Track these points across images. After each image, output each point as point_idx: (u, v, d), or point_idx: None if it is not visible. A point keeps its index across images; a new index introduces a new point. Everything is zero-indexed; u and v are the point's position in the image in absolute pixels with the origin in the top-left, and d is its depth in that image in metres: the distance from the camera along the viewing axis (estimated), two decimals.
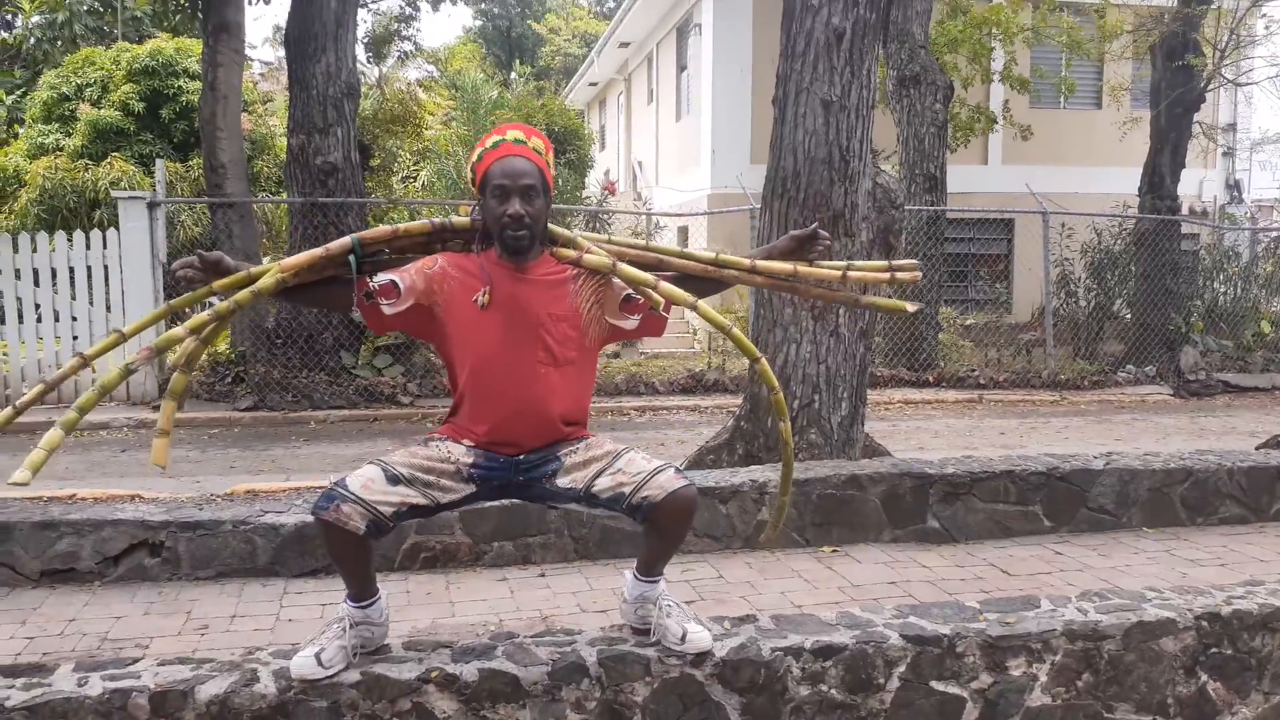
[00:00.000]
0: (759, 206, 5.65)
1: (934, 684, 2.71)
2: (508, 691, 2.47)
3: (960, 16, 12.03)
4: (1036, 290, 12.07)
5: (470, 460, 2.52)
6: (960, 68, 12.06)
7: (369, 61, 15.29)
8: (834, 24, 4.93)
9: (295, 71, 9.27)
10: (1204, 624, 2.88)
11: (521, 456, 2.55)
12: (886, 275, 2.78)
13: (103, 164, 13.03)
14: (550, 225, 2.58)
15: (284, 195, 10.68)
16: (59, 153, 13.51)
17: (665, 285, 2.48)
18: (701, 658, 2.59)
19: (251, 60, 18.00)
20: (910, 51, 10.73)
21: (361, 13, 11.08)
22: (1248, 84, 13.64)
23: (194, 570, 3.77)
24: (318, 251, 2.49)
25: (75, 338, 8.85)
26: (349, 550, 2.46)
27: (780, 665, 2.62)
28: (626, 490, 2.47)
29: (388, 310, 2.50)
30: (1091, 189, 14.16)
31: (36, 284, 8.79)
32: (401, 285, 2.49)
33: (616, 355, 12.10)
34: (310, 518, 3.77)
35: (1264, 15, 13.71)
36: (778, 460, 4.89)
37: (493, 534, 3.96)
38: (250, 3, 10.47)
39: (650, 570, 2.66)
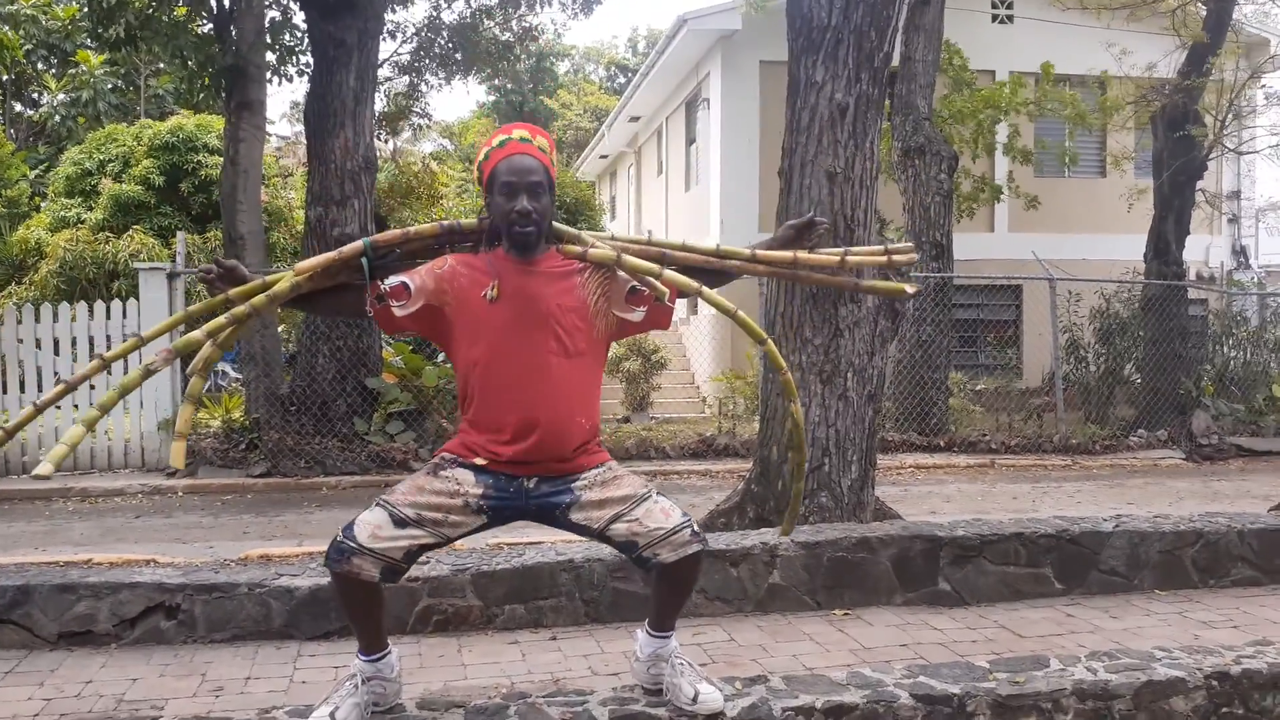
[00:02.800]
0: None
1: None
2: None
3: (965, 90, 12.31)
4: (1046, 355, 12.12)
5: (480, 491, 2.51)
6: (964, 140, 12.30)
7: (383, 137, 15.70)
8: (837, 99, 5.08)
9: (314, 146, 9.55)
10: (1214, 683, 2.88)
11: (533, 484, 2.53)
12: (884, 259, 2.85)
13: (123, 236, 13.33)
14: (555, 224, 2.64)
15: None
16: (80, 225, 13.83)
17: (669, 273, 2.55)
18: (713, 718, 2.60)
19: (270, 135, 18.48)
20: (915, 123, 10.97)
21: (378, 89, 11.42)
22: (1249, 153, 13.85)
23: (209, 633, 3.80)
24: (331, 255, 2.56)
25: (91, 405, 8.95)
26: (362, 599, 2.50)
27: None
28: (640, 543, 2.51)
29: (399, 312, 2.55)
30: (1098, 255, 14.30)
31: (56, 353, 8.94)
32: (412, 286, 2.54)
33: (626, 420, 12.16)
34: (325, 580, 3.83)
35: (1263, 86, 14.01)
36: None
37: (504, 597, 3.99)
38: (271, 81, 10.81)
39: (662, 624, 2.68)
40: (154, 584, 3.82)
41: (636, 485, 2.59)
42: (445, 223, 2.69)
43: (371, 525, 2.45)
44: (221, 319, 2.45)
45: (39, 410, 2.38)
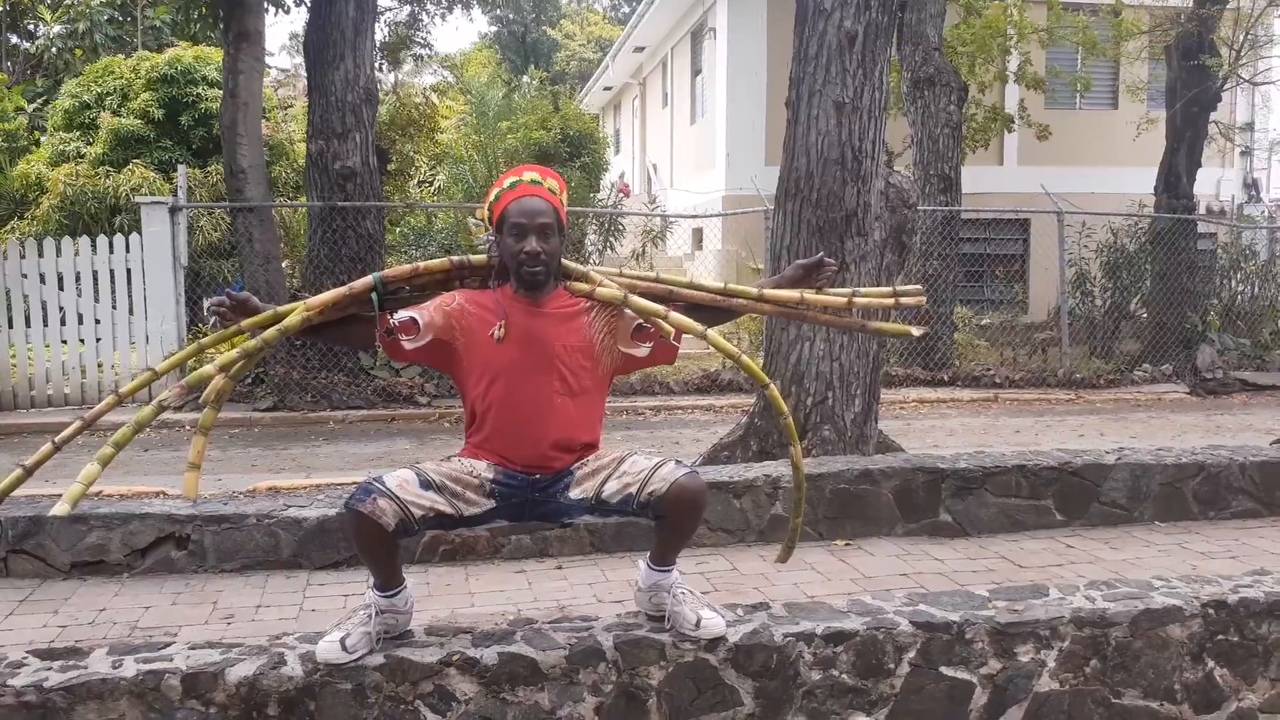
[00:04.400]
0: (773, 208, 5.71)
1: (943, 669, 2.76)
2: (526, 675, 2.54)
3: (974, 18, 12.05)
4: (1052, 290, 12.07)
5: (491, 476, 2.62)
6: (975, 70, 12.08)
7: (384, 69, 15.49)
8: (846, 27, 4.98)
9: (314, 78, 9.40)
10: (1210, 611, 2.92)
11: (538, 475, 2.64)
12: (891, 301, 2.86)
13: (123, 171, 13.22)
14: (564, 260, 2.69)
15: (303, 200, 10.82)
16: (80, 160, 13.71)
17: (675, 315, 2.58)
18: (715, 643, 2.64)
19: (270, 67, 18.21)
20: (924, 54, 10.77)
21: (378, 20, 11.21)
22: (1264, 84, 13.59)
23: (219, 563, 3.86)
24: (342, 290, 2.62)
25: (98, 340, 8.99)
26: (375, 544, 2.54)
27: (792, 650, 2.68)
28: (633, 489, 2.55)
29: (408, 345, 2.62)
30: (1108, 189, 14.13)
31: (60, 288, 8.94)
32: (421, 321, 2.61)
33: None
34: (333, 511, 3.88)
35: None
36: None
37: (510, 527, 4.03)
38: (270, 10, 10.60)
39: (663, 560, 2.72)
40: (164, 515, 3.87)
41: (620, 452, 2.71)
42: (455, 259, 2.74)
43: (400, 478, 2.54)
44: (233, 353, 2.49)
45: (57, 448, 2.47)
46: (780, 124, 5.49)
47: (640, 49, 20.00)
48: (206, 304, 2.66)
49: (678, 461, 2.61)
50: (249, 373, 9.38)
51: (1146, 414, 9.41)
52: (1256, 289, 12.25)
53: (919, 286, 2.94)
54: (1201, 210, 13.01)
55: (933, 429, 8.35)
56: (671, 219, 12.93)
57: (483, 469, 2.62)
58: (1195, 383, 10.77)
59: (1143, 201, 12.07)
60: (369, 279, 2.63)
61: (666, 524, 2.64)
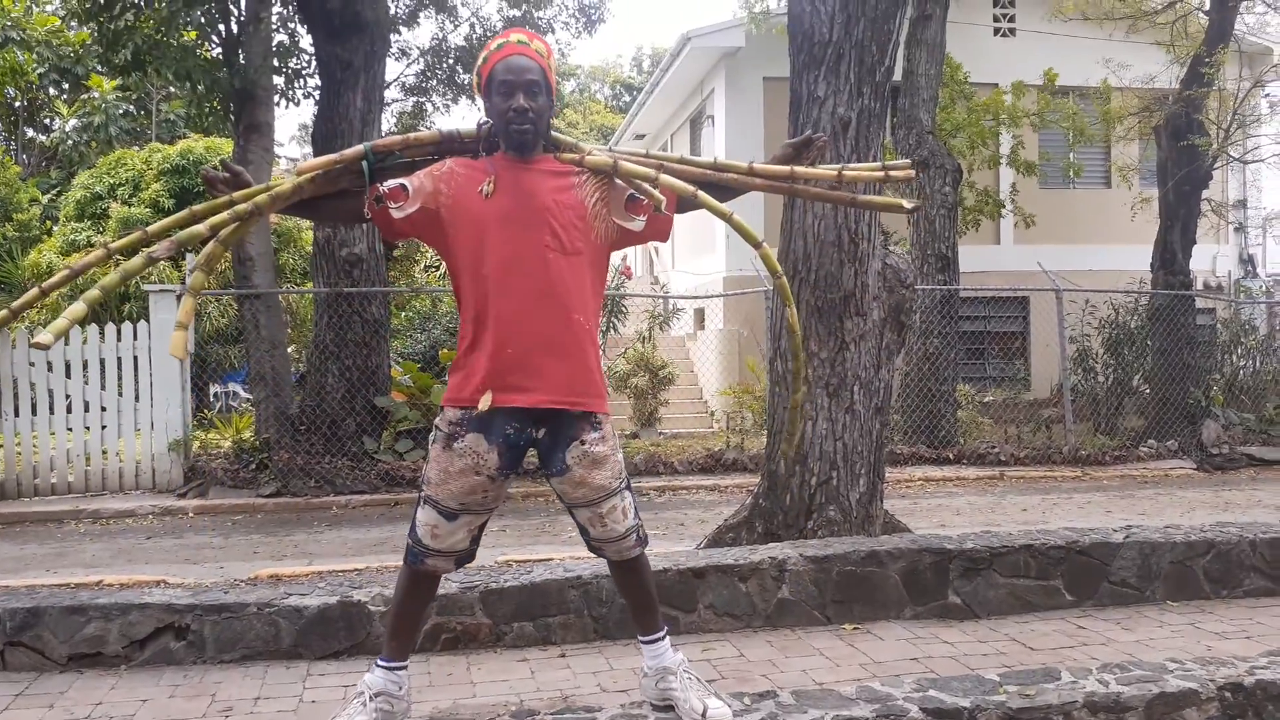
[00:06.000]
0: (772, 289, 5.77)
1: None
2: None
3: (962, 102, 12.35)
4: (1054, 366, 12.10)
5: (495, 458, 2.55)
6: (966, 153, 12.33)
7: None
8: (839, 114, 5.11)
9: None
10: (1227, 694, 2.87)
11: (541, 434, 2.58)
12: (881, 174, 2.83)
13: (133, 259, 13.43)
14: (553, 133, 2.67)
15: (309, 286, 10.95)
16: (90, 249, 13.94)
17: (665, 177, 2.57)
18: None
19: (279, 157, 18.61)
20: (918, 137, 11.00)
21: (385, 110, 11.50)
22: (1254, 162, 13.84)
23: (219, 653, 3.81)
24: (332, 156, 2.61)
25: (104, 427, 9.01)
26: (425, 592, 2.68)
27: None
28: (593, 534, 2.67)
29: (397, 214, 2.58)
30: (1104, 266, 14.28)
31: (68, 375, 9.00)
32: (410, 187, 2.58)
33: (635, 435, 12.16)
34: (334, 600, 3.85)
35: (1267, 95, 14.00)
36: (797, 538, 4.91)
37: (513, 615, 3.98)
38: (279, 103, 10.90)
39: (645, 627, 2.75)
40: (164, 605, 3.83)
41: (614, 474, 2.64)
42: (444, 130, 2.73)
43: (429, 526, 2.58)
44: (225, 215, 2.47)
45: (44, 293, 2.46)
46: (778, 207, 5.58)
47: (641, 136, 20.45)
48: (203, 170, 2.64)
49: (638, 538, 2.68)
50: (252, 458, 9.32)
51: (1154, 490, 9.34)
52: (1258, 364, 12.28)
53: (907, 161, 2.94)
54: (1199, 286, 13.12)
55: (939, 508, 8.28)
56: (674, 300, 13.06)
57: (484, 451, 2.53)
58: (1201, 458, 10.71)
59: (1141, 278, 12.18)
60: (359, 147, 2.62)
61: (619, 581, 2.81)
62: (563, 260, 2.55)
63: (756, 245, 2.68)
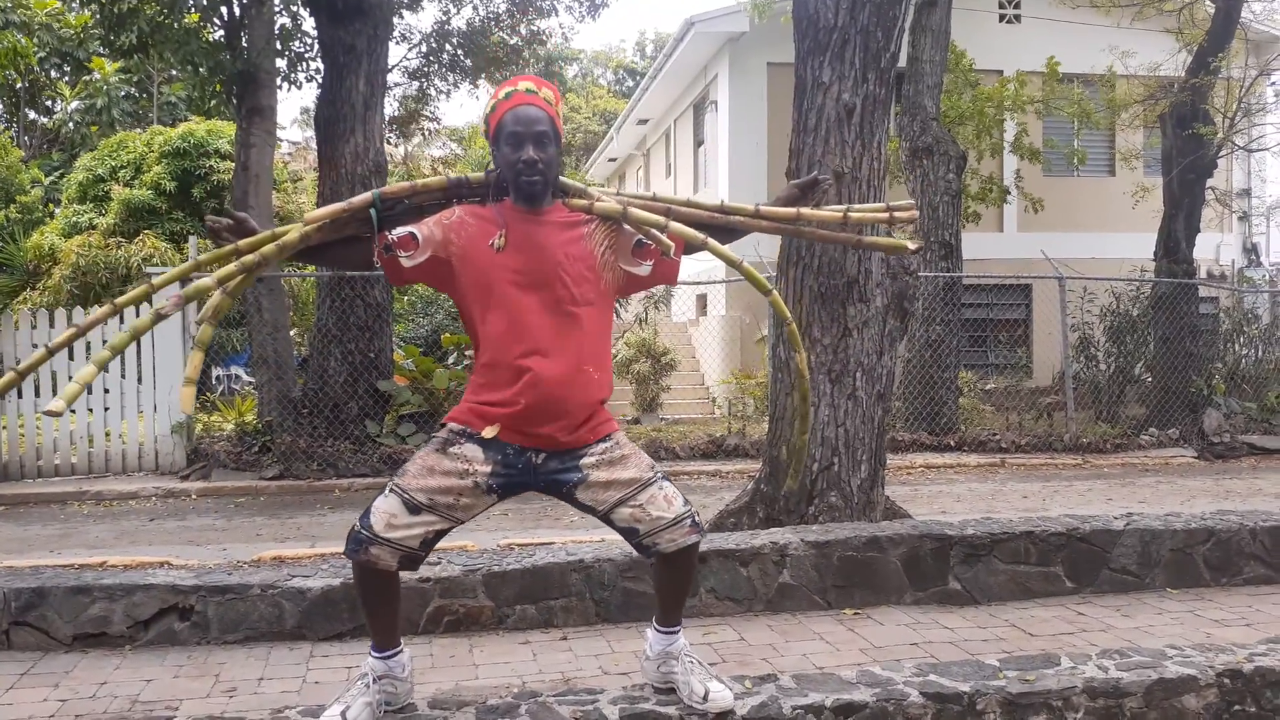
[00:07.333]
0: (776, 274, 5.77)
1: None
2: None
3: (968, 90, 12.30)
4: (1056, 354, 12.10)
5: (489, 469, 2.50)
6: (972, 140, 12.29)
7: (394, 141, 15.78)
8: (844, 100, 5.09)
9: (324, 151, 9.60)
10: (1226, 681, 2.88)
11: (540, 460, 2.52)
12: (885, 215, 2.83)
13: (134, 241, 13.42)
14: (562, 178, 2.66)
15: (312, 270, 10.95)
16: (92, 231, 13.94)
17: (675, 225, 2.55)
18: (723, 716, 2.61)
19: (281, 141, 18.57)
20: (922, 124, 10.97)
21: (388, 94, 11.47)
22: (1259, 150, 13.80)
23: (222, 634, 3.83)
24: (340, 205, 2.58)
25: (106, 409, 9.03)
26: (379, 588, 2.53)
27: None
28: (640, 530, 2.53)
29: (406, 263, 2.55)
30: (1108, 254, 14.26)
31: (70, 358, 9.00)
32: (420, 236, 2.55)
33: (637, 421, 12.18)
34: (338, 581, 3.86)
35: (1273, 84, 13.95)
36: (798, 523, 4.92)
37: (515, 597, 4.00)
38: (282, 87, 10.87)
39: (667, 619, 2.70)
40: (168, 586, 3.85)
41: (643, 467, 2.59)
42: (452, 176, 2.70)
43: (386, 514, 2.46)
44: (231, 266, 2.44)
45: (51, 353, 2.44)
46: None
47: (644, 121, 20.39)
48: (207, 219, 2.62)
49: (693, 522, 2.56)
50: (255, 441, 9.35)
51: (1154, 478, 9.35)
52: (1260, 352, 12.27)
53: (911, 201, 2.94)
54: (1202, 275, 13.10)
55: (940, 494, 8.30)
56: (675, 285, 13.05)
57: (479, 461, 2.49)
58: (1203, 447, 10.73)
59: (1143, 267, 12.16)
60: (367, 195, 2.59)
61: (663, 573, 2.64)
62: (574, 312, 2.54)
63: (766, 292, 2.71)
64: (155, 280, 2.56)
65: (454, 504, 2.50)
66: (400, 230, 2.56)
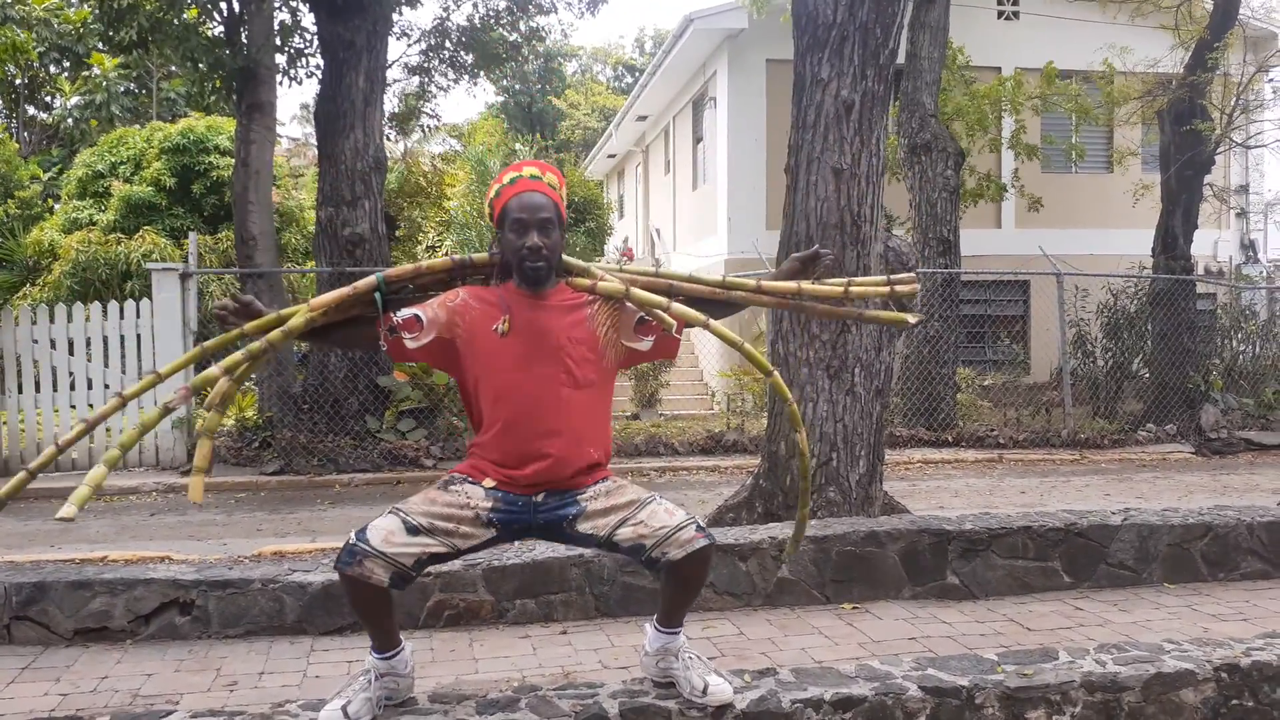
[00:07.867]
0: (774, 271, 5.78)
1: None
2: None
3: (965, 87, 12.30)
4: (1053, 350, 12.11)
5: (489, 505, 2.57)
6: (968, 136, 12.29)
7: (393, 138, 15.81)
8: (843, 96, 5.10)
9: (324, 147, 9.60)
10: (1223, 675, 2.90)
11: (540, 498, 2.59)
12: (886, 289, 2.87)
13: (134, 237, 13.42)
14: (564, 257, 2.69)
15: (311, 265, 10.96)
16: (92, 227, 13.92)
17: (677, 306, 2.59)
18: (723, 710, 2.62)
19: (281, 137, 18.56)
20: (920, 120, 10.97)
21: (387, 90, 11.47)
22: (1257, 147, 13.80)
23: (223, 628, 3.85)
24: (345, 290, 2.61)
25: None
26: (372, 602, 2.53)
27: (800, 717, 2.66)
28: (647, 544, 2.54)
29: (411, 344, 2.60)
30: (1105, 250, 14.25)
31: (71, 353, 9.02)
32: (424, 318, 2.60)
33: (636, 417, 12.19)
34: (336, 576, 3.87)
35: (1270, 80, 13.95)
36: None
37: (515, 592, 4.02)
38: (281, 83, 10.87)
39: (670, 621, 2.71)
40: (169, 580, 3.86)
41: (639, 492, 2.65)
42: (457, 257, 2.75)
43: (385, 530, 2.49)
44: (238, 355, 2.49)
45: (60, 450, 2.48)
46: (780, 189, 5.59)
47: (643, 118, 20.37)
48: (215, 306, 2.64)
49: (698, 526, 2.57)
50: (256, 437, 9.37)
51: (1152, 474, 9.37)
52: (1258, 349, 12.28)
53: (912, 275, 2.97)
54: (1200, 271, 13.11)
55: (938, 490, 8.32)
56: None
57: (480, 498, 2.56)
58: (1200, 442, 10.74)
59: (1142, 263, 12.17)
60: (372, 279, 2.62)
61: (673, 584, 2.63)
62: (577, 395, 2.60)
63: (768, 373, 2.74)
64: (162, 370, 2.62)
65: (453, 530, 2.54)
66: (405, 312, 2.61)
